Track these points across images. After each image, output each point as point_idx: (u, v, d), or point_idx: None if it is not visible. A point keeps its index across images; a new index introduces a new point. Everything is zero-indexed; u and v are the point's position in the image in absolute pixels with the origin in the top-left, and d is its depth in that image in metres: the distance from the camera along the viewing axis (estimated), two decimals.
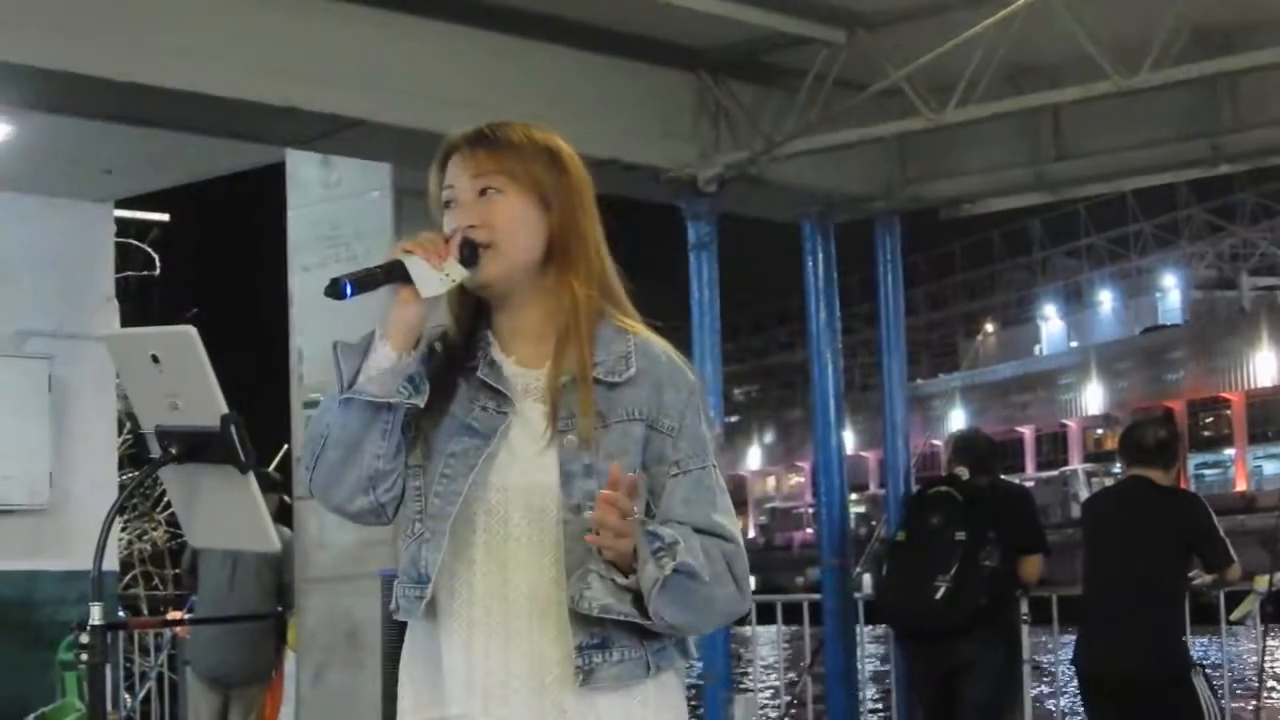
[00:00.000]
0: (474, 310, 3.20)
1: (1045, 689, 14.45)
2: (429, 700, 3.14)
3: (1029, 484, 47.41)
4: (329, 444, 3.08)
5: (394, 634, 7.02)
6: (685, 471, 3.13)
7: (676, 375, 3.16)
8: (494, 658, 3.07)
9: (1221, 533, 8.37)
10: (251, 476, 4.28)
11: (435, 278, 3.06)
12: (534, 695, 3.06)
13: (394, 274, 3.05)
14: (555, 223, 3.16)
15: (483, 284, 3.13)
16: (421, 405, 3.07)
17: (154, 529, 17.40)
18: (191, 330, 4.13)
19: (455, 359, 3.17)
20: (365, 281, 3.06)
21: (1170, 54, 8.30)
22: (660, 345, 3.19)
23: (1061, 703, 11.60)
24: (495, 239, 3.11)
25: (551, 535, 3.06)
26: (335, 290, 3.06)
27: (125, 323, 11.73)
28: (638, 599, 3.02)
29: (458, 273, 3.08)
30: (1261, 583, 8.97)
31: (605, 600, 3.02)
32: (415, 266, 3.05)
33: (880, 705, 14.29)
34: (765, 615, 11.52)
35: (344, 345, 3.11)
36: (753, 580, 3.42)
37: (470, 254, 3.10)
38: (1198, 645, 9.19)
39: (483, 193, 3.14)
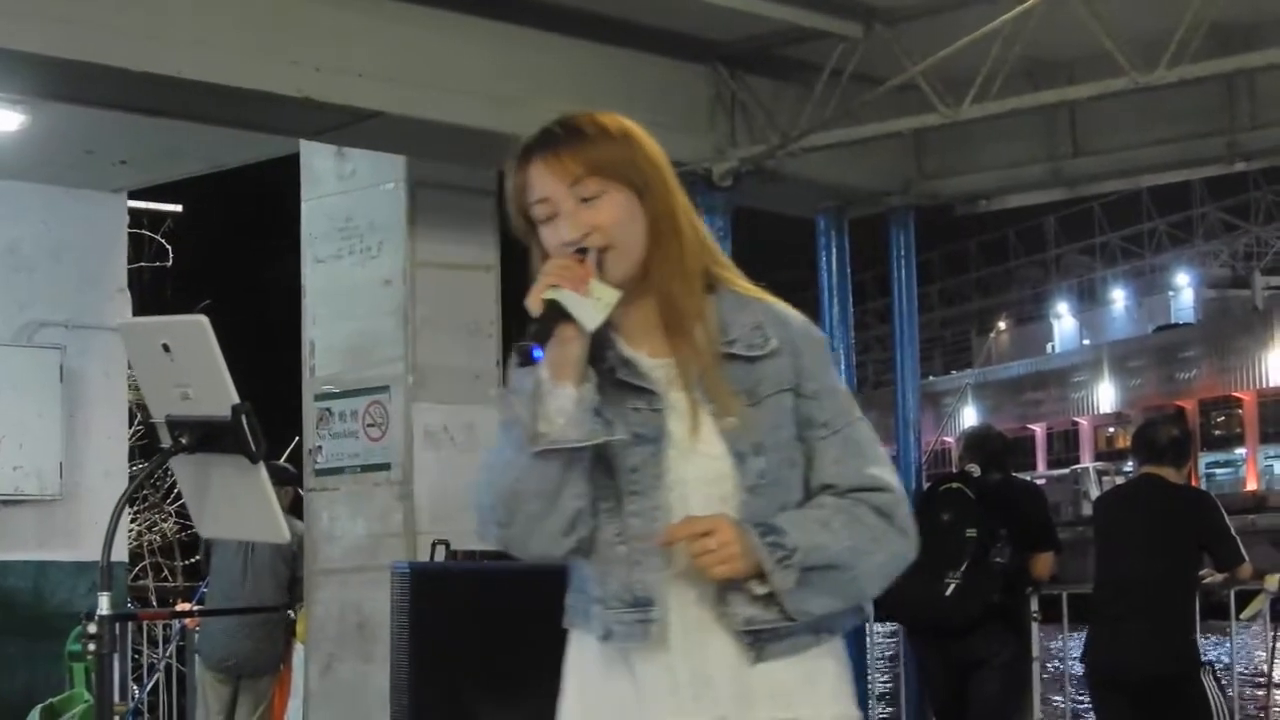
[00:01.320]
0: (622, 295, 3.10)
1: (1055, 685, 14.42)
2: (612, 716, 3.10)
3: (1040, 481, 47.35)
4: (525, 498, 2.98)
5: (403, 627, 7.01)
6: (835, 431, 3.08)
7: (809, 336, 3.12)
8: (693, 656, 3.03)
9: (1233, 532, 8.36)
10: (262, 467, 4.27)
11: (589, 305, 2.96)
12: (731, 684, 3.02)
13: (556, 315, 2.95)
14: (651, 206, 3.07)
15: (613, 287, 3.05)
16: (626, 436, 3.00)
17: (164, 520, 17.41)
18: (203, 320, 4.13)
19: (593, 366, 3.07)
20: (541, 335, 2.95)
21: (1188, 51, 8.27)
22: (785, 308, 3.14)
23: (1071, 700, 11.58)
24: (611, 240, 3.02)
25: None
26: (526, 358, 2.95)
27: (138, 314, 11.72)
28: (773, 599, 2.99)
29: (608, 294, 2.99)
30: (1272, 582, 8.94)
31: (749, 612, 2.99)
32: (569, 301, 2.95)
33: (890, 702, 14.26)
34: None
35: (512, 394, 2.99)
36: None
37: (598, 265, 3.01)
38: (1209, 644, 9.16)
39: (585, 200, 3.04)
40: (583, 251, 3.01)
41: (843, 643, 3.17)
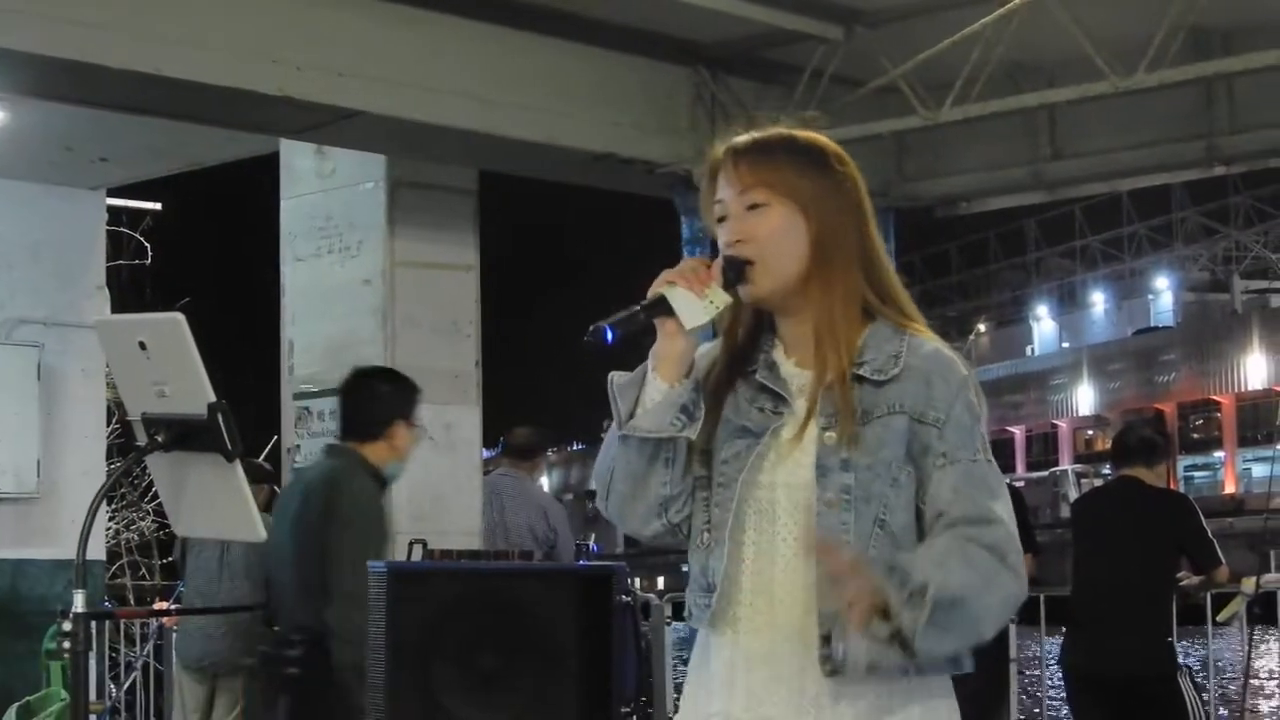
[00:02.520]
0: (753, 319, 3.20)
1: (1033, 688, 14.43)
2: (694, 705, 3.17)
3: (1019, 484, 47.39)
4: (616, 478, 3.14)
5: (381, 627, 6.99)
6: (954, 462, 3.08)
7: (946, 368, 3.14)
8: (758, 655, 3.08)
9: (1210, 535, 8.38)
10: (238, 465, 4.26)
11: (699, 306, 3.04)
12: (794, 693, 3.05)
13: (657, 309, 3.04)
14: (817, 229, 3.14)
15: (755, 299, 3.12)
16: (694, 436, 3.09)
17: (142, 519, 17.38)
18: (180, 317, 4.12)
19: (736, 365, 3.18)
20: (627, 322, 3.03)
21: (1167, 55, 8.29)
22: (932, 341, 3.17)
23: (1049, 702, 11.58)
24: (761, 254, 3.10)
25: (807, 528, 3.06)
26: (597, 336, 3.04)
27: (116, 312, 11.67)
28: (896, 639, 2.94)
29: (721, 299, 3.06)
30: (1249, 584, 8.95)
31: (867, 658, 2.96)
32: (678, 298, 3.04)
33: None
34: None
35: (620, 380, 3.11)
36: None
37: (736, 274, 3.08)
38: (1186, 647, 9.18)
39: (751, 208, 3.12)
40: (729, 259, 3.09)
41: (941, 681, 3.14)
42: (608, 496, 3.17)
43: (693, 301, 3.04)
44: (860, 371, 3.10)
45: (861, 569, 2.93)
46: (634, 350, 3.14)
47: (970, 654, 3.15)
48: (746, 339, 3.20)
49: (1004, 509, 3.09)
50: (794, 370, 3.16)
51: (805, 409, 3.10)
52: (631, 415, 3.09)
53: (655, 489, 3.12)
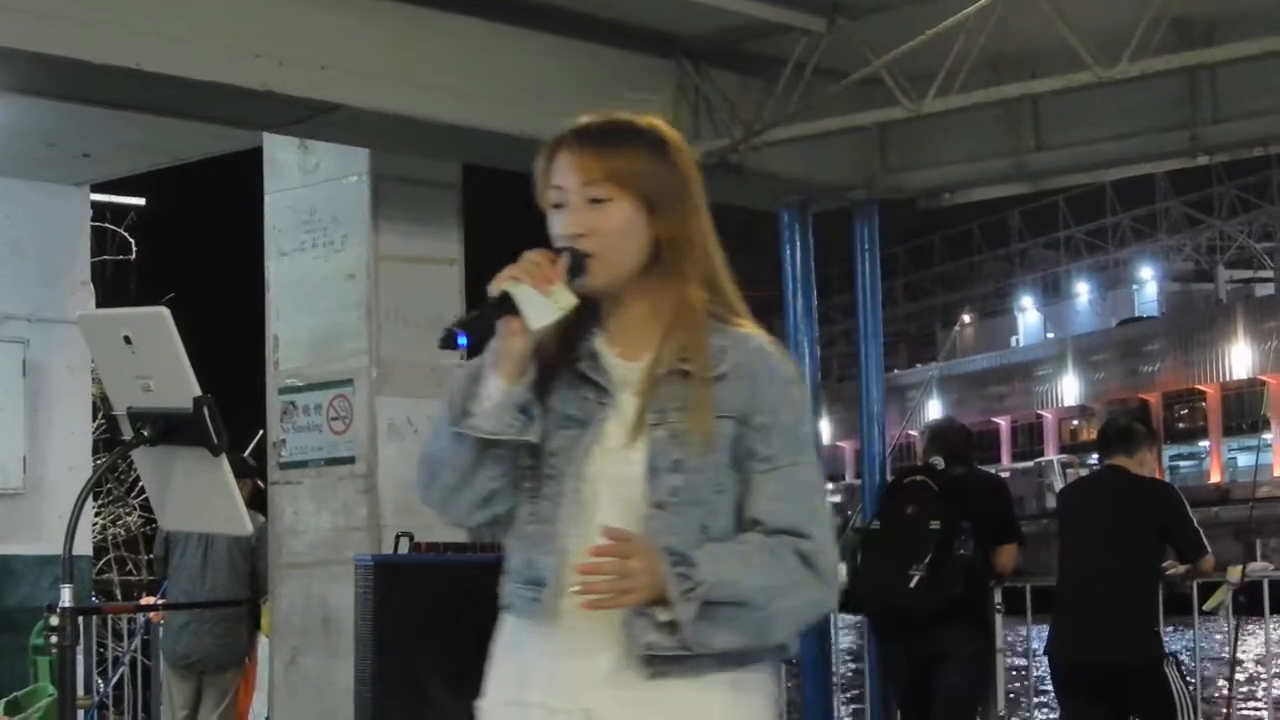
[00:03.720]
0: (579, 304, 3.16)
1: (1019, 678, 14.46)
2: (511, 684, 3.16)
3: (1005, 474, 47.42)
4: (443, 468, 3.11)
5: (367, 619, 7.02)
6: (776, 468, 3.09)
7: (774, 369, 3.13)
8: (577, 650, 3.08)
9: (1195, 524, 8.40)
10: (224, 459, 4.26)
11: (544, 306, 3.01)
12: (613, 687, 3.06)
13: (503, 309, 3.01)
14: (662, 225, 3.12)
15: (589, 291, 3.10)
16: (534, 439, 3.08)
17: (128, 514, 17.37)
18: (164, 311, 4.12)
19: (560, 351, 3.15)
20: (476, 325, 3.03)
21: (1150, 45, 8.30)
22: (759, 339, 3.16)
23: (1035, 692, 11.61)
24: (601, 249, 3.08)
25: (634, 526, 3.04)
26: (449, 342, 3.04)
27: (101, 307, 11.66)
28: (672, 625, 3.01)
29: (566, 301, 3.03)
30: (1234, 574, 8.98)
31: (650, 638, 3.02)
32: (523, 296, 3.00)
33: (854, 694, 14.29)
34: None
35: (462, 373, 3.11)
36: None
37: (578, 265, 3.06)
38: (1172, 636, 9.20)
39: (593, 201, 3.10)
40: (570, 252, 3.06)
41: (758, 678, 3.16)
42: (431, 485, 3.13)
43: (538, 301, 3.00)
44: (685, 368, 3.09)
45: (644, 557, 2.95)
46: None
47: (796, 640, 3.18)
48: (571, 325, 3.14)
49: (817, 521, 3.12)
50: (616, 361, 3.14)
51: (636, 404, 3.09)
52: (466, 412, 3.05)
53: (483, 483, 3.09)
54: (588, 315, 3.15)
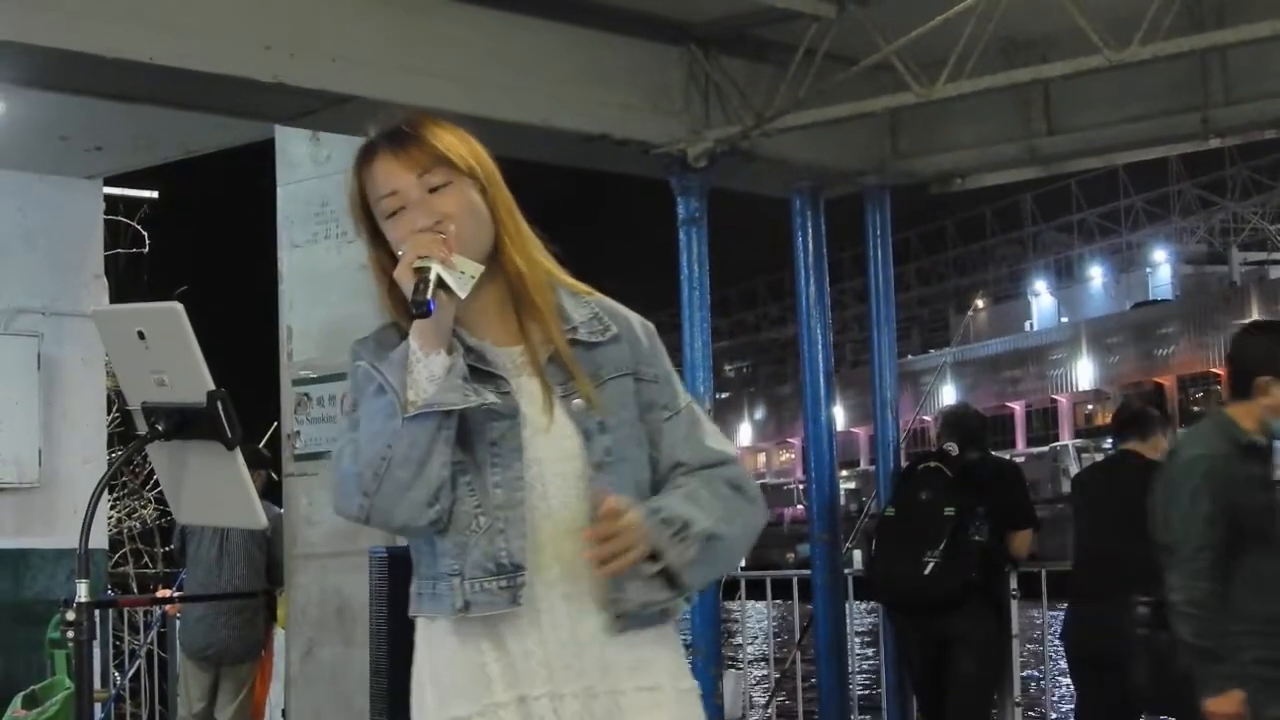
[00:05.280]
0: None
1: (1034, 663, 14.46)
2: (470, 694, 3.13)
3: (1019, 459, 47.43)
4: (394, 465, 3.05)
5: (382, 610, 7.02)
6: (676, 412, 3.25)
7: (643, 326, 3.28)
8: (562, 630, 3.12)
9: None
10: (238, 453, 4.27)
11: (458, 278, 3.07)
12: (600, 658, 3.12)
13: (431, 284, 3.04)
14: (496, 200, 3.20)
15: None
16: (498, 400, 3.10)
17: (144, 507, 17.39)
18: (178, 306, 4.13)
19: None
20: (422, 303, 3.04)
21: (1161, 28, 8.28)
22: (615, 303, 3.30)
23: (1050, 677, 11.61)
24: (461, 231, 3.13)
25: (581, 496, 3.13)
26: (422, 311, 3.04)
27: (115, 300, 11.68)
28: (664, 575, 3.11)
29: (472, 268, 3.09)
30: None
31: (642, 597, 3.11)
32: (441, 272, 3.05)
33: (869, 680, 14.30)
34: (755, 591, 11.53)
35: (386, 364, 3.10)
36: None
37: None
38: None
39: (433, 190, 3.14)
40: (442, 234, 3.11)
41: (674, 630, 3.28)
42: (377, 491, 3.07)
43: (452, 275, 3.06)
44: (576, 336, 3.17)
45: (630, 516, 3.03)
46: None
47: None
48: None
49: (725, 444, 3.29)
50: (497, 350, 3.17)
51: (538, 383, 3.15)
52: (413, 399, 3.04)
53: (436, 471, 3.06)
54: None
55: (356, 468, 3.08)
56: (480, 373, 3.11)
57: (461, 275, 3.06)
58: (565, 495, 3.12)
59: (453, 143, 3.19)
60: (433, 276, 3.04)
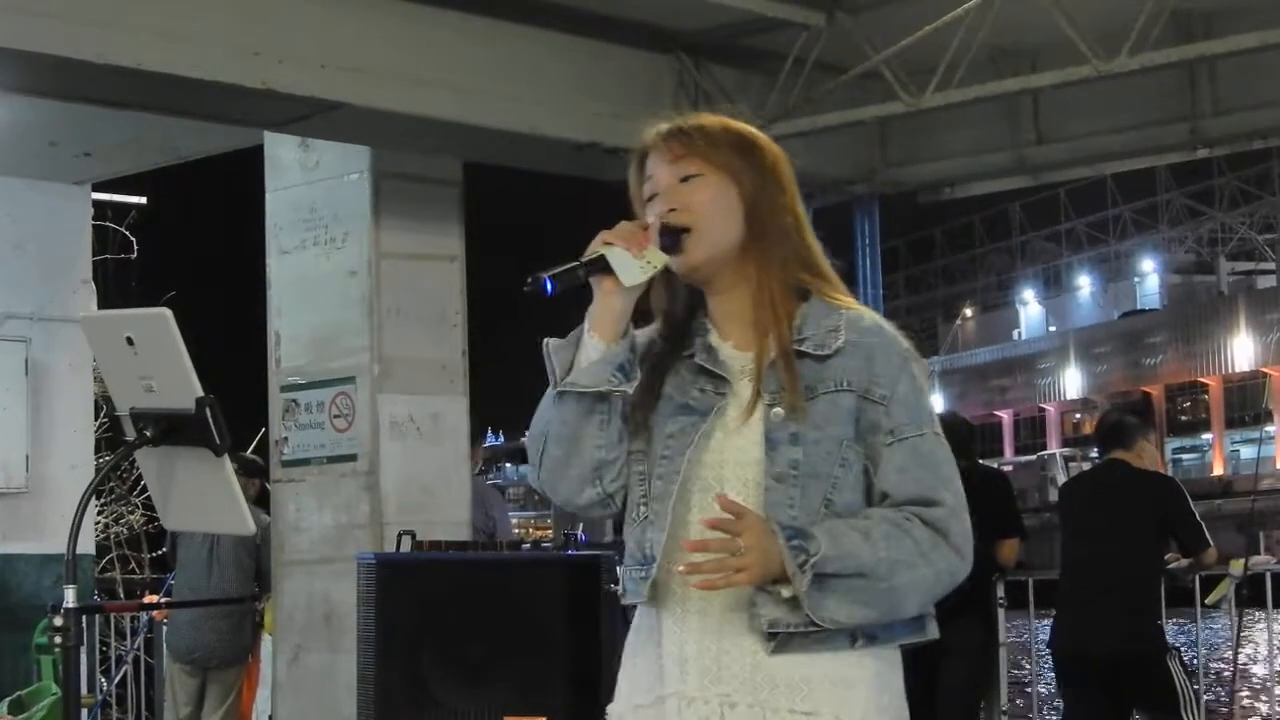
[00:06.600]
0: (689, 299, 3.24)
1: (1022, 672, 14.48)
2: (645, 685, 3.17)
3: (1007, 468, 47.50)
4: (550, 441, 3.13)
5: (370, 617, 7.02)
6: (901, 439, 3.12)
7: (888, 344, 3.17)
8: (709, 634, 3.10)
9: (1197, 517, 8.40)
10: (226, 459, 4.26)
11: (636, 265, 3.07)
12: (748, 670, 3.07)
13: (595, 267, 3.06)
14: (751, 203, 3.18)
15: (690, 268, 3.16)
16: (630, 391, 3.11)
17: (131, 513, 17.36)
18: (166, 312, 4.12)
19: (674, 347, 3.20)
20: (567, 276, 3.06)
21: (1149, 38, 8.31)
22: (871, 316, 3.21)
23: (1038, 686, 11.62)
24: (696, 221, 3.14)
25: (754, 504, 3.06)
26: (536, 287, 3.06)
27: (103, 306, 11.67)
28: (794, 599, 3.03)
29: (658, 259, 3.09)
30: (1237, 566, 8.97)
31: (775, 614, 3.04)
32: (616, 257, 3.06)
33: None
34: None
35: (555, 342, 3.13)
36: None
37: (672, 241, 3.12)
38: (1175, 630, 9.21)
39: (683, 180, 3.17)
40: (663, 225, 3.12)
41: (892, 654, 3.19)
42: (541, 463, 3.16)
43: (630, 261, 3.07)
44: (802, 347, 3.12)
45: (755, 534, 2.97)
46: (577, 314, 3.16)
47: (932, 620, 3.21)
48: (681, 321, 3.23)
49: (950, 487, 3.15)
50: (733, 353, 3.18)
51: (751, 388, 3.13)
52: (568, 374, 3.09)
53: (589, 451, 3.11)
54: (699, 309, 3.23)
55: (531, 441, 3.19)
56: (707, 371, 3.15)
57: (645, 265, 3.07)
58: (747, 503, 3.05)
59: (716, 136, 3.21)
60: (587, 258, 3.05)
